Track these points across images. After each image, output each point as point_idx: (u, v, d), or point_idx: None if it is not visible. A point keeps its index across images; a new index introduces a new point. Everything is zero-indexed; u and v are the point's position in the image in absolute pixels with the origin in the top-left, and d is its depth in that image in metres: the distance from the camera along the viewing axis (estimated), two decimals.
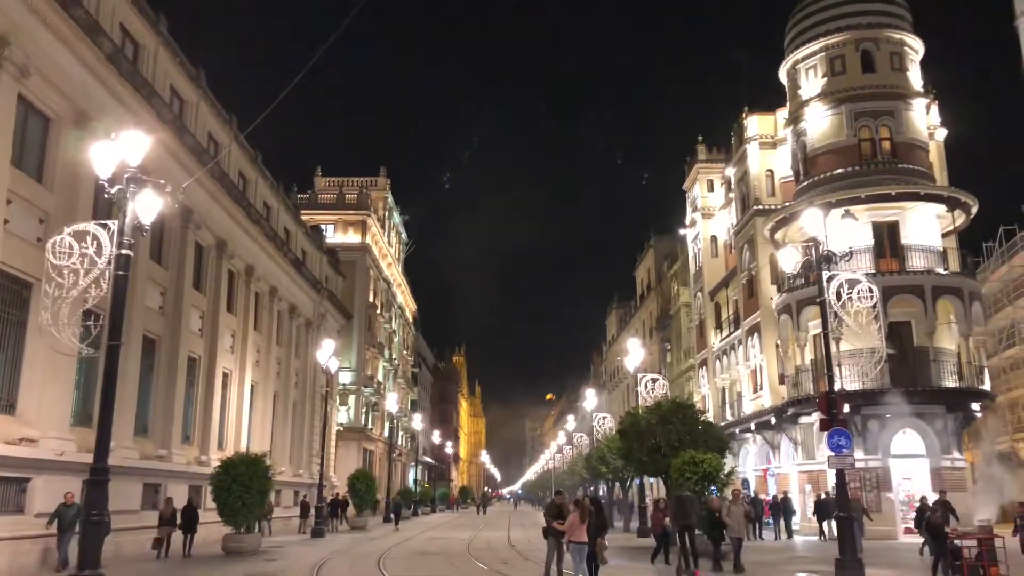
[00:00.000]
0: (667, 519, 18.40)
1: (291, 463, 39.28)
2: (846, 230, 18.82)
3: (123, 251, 13.98)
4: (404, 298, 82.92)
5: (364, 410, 58.38)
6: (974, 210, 32.11)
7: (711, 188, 47.04)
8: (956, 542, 16.29)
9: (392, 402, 56.65)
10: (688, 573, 16.99)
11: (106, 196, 13.95)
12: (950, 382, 29.55)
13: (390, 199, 73.05)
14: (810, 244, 19.70)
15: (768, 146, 38.25)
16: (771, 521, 31.10)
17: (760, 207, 37.04)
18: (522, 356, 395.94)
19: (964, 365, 30.14)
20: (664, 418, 27.84)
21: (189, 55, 28.08)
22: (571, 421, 68.18)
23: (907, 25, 33.61)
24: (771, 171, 38.07)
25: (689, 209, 49.39)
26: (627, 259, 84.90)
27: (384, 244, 68.59)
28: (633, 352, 33.13)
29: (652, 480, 39.89)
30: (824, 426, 17.86)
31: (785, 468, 35.23)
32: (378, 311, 64.04)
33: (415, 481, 78.88)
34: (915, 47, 33.41)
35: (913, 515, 29.36)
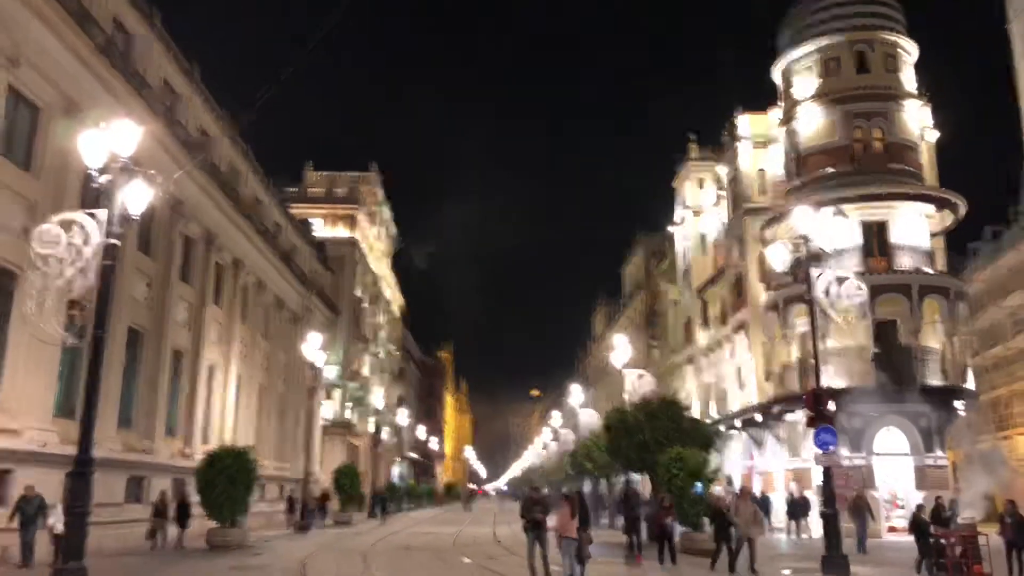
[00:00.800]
0: (668, 518, 17.91)
1: (276, 457, 39.10)
2: (836, 228, 18.89)
3: (111, 240, 13.88)
4: (392, 293, 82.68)
5: (349, 405, 58.17)
6: (962, 211, 32.32)
7: (701, 186, 47.12)
8: (941, 540, 16.42)
9: (378, 397, 56.47)
10: (631, 559, 17.41)
11: (95, 185, 13.79)
12: (935, 381, 29.77)
13: (380, 194, 72.74)
14: (799, 242, 19.77)
15: (760, 145, 38.35)
16: None
17: (751, 206, 37.15)
18: (509, 352, 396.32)
19: (948, 364, 30.38)
20: (651, 414, 27.89)
21: (184, 50, 27.97)
22: (556, 417, 68.12)
23: (901, 27, 33.76)
24: (763, 170, 38.17)
25: (679, 207, 49.46)
26: (614, 257, 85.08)
27: (373, 239, 68.36)
28: (620, 348, 33.11)
29: (638, 477, 40.04)
30: (811, 423, 17.95)
31: (770, 465, 35.38)
32: (365, 306, 63.82)
33: (400, 477, 78.76)
34: (909, 49, 33.56)
35: (898, 512, 29.67)
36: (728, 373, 39.99)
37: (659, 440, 26.53)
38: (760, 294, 35.31)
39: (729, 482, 36.63)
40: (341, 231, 60.01)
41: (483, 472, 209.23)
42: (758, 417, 34.56)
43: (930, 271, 30.76)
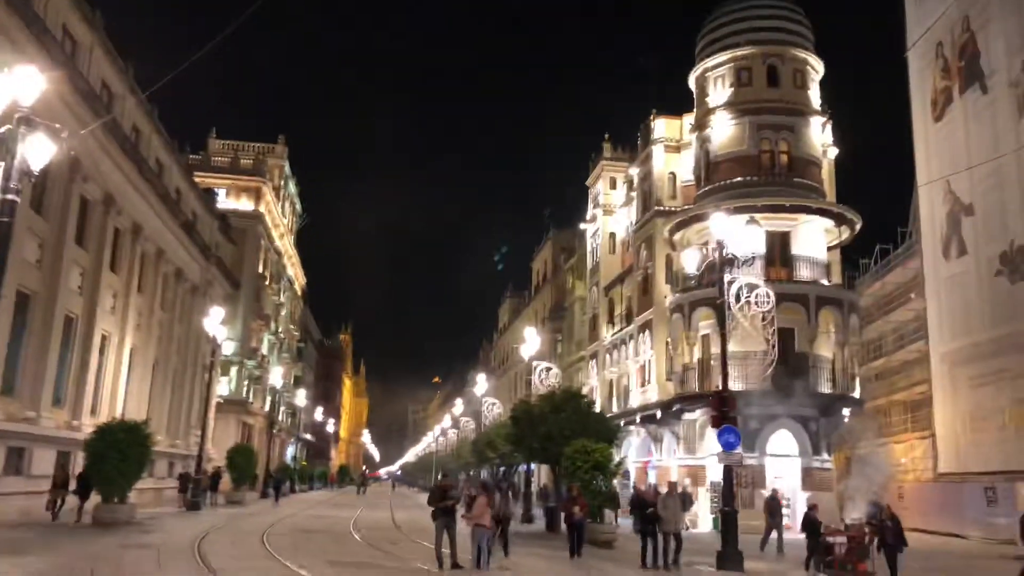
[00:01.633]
0: (577, 508, 17.76)
1: (168, 433, 37.61)
2: (750, 236, 19.49)
3: (9, 196, 13.04)
4: (295, 271, 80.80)
5: (246, 383, 56.61)
6: (858, 227, 33.96)
7: (614, 186, 47.90)
8: (828, 539, 17.24)
9: (277, 376, 55.13)
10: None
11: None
12: (825, 388, 31.23)
13: (287, 168, 70.83)
14: (713, 247, 20.33)
15: (672, 149, 39.25)
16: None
17: (661, 208, 38.00)
18: (411, 338, 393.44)
19: (838, 373, 31.94)
20: (557, 407, 28.26)
21: None
22: (459, 405, 68.23)
23: (810, 45, 35.11)
24: (674, 174, 39.08)
25: (591, 205, 50.15)
26: (525, 249, 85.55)
27: (278, 214, 66.50)
28: (530, 340, 33.44)
29: (534, 467, 40.54)
30: (716, 423, 18.54)
31: (666, 461, 36.38)
32: (267, 282, 62.14)
33: (294, 458, 77.21)
34: (816, 67, 34.94)
35: (785, 510, 30.97)
36: (631, 370, 40.87)
37: (563, 432, 26.95)
38: (666, 295, 36.18)
39: (626, 476, 37.51)
40: (245, 204, 58.15)
41: (377, 456, 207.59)
42: (658, 414, 35.46)
43: (827, 283, 32.21)
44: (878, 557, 16.26)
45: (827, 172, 36.82)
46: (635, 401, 39.67)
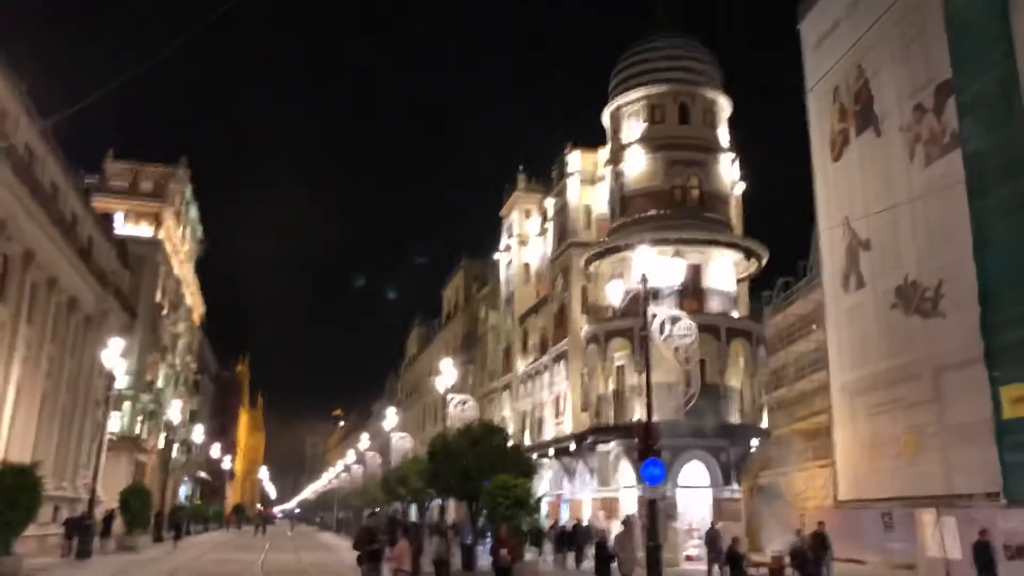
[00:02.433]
0: (505, 551, 16.65)
1: (54, 475, 35.07)
2: (672, 269, 19.76)
3: None
4: (193, 299, 77.72)
5: (140, 418, 53.76)
6: (764, 260, 35.12)
7: (528, 216, 48.18)
8: (751, 571, 17.46)
9: (175, 411, 52.54)
10: None
11: None
12: (735, 419, 31.93)
13: (188, 192, 68.36)
14: (630, 278, 20.56)
15: (588, 182, 39.79)
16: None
17: (576, 240, 38.37)
18: (309, 369, 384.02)
19: (747, 403, 32.75)
20: (475, 441, 27.85)
21: None
22: (364, 439, 66.65)
23: (719, 84, 36.38)
24: (589, 206, 39.59)
25: (505, 235, 50.25)
26: (434, 278, 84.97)
27: (178, 240, 63.97)
28: (445, 371, 32.97)
29: (440, 502, 39.84)
30: (641, 456, 18.57)
31: (579, 494, 36.36)
32: (164, 312, 59.46)
33: (187, 497, 73.64)
34: (725, 106, 36.20)
35: (693, 542, 31.33)
36: (546, 401, 40.83)
37: (481, 467, 26.54)
38: (581, 325, 36.42)
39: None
40: (145, 229, 55.70)
41: (274, 494, 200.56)
42: (572, 446, 35.46)
43: (736, 315, 33.10)
44: None
45: (735, 207, 38.01)
46: (549, 432, 39.62)
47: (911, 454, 31.02)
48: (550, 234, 42.76)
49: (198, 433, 67.90)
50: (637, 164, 35.12)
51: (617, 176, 36.09)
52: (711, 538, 23.28)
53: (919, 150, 31.49)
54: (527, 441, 42.36)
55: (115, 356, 30.96)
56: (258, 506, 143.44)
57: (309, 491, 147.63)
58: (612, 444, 32.95)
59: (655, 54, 35.83)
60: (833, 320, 37.15)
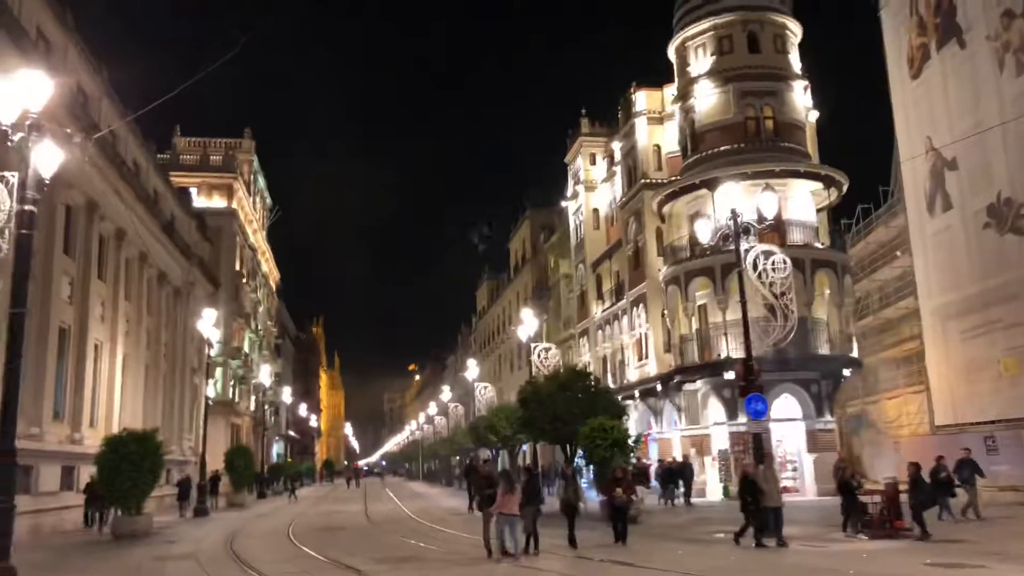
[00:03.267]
0: (620, 490, 15.96)
1: (163, 439, 36.93)
2: (765, 203, 19.47)
3: (27, 207, 12.64)
4: (268, 266, 79.73)
5: (232, 383, 55.85)
6: (845, 188, 34.22)
7: (593, 161, 47.73)
8: (862, 498, 17.45)
9: (265, 375, 54.44)
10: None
11: (9, 144, 12.40)
12: (824, 350, 31.54)
13: (255, 162, 69.65)
14: (697, 217, 20.34)
15: (655, 121, 39.13)
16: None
17: (648, 180, 37.91)
18: (383, 327, 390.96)
19: (834, 334, 32.28)
20: (563, 386, 28.25)
21: None
22: (447, 391, 68.03)
23: (788, 9, 35.13)
24: (658, 146, 38.99)
25: (571, 182, 49.94)
26: (499, 231, 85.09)
27: (250, 209, 65.45)
28: (527, 321, 33.31)
29: (526, 448, 40.55)
30: (743, 392, 18.60)
31: (667, 433, 36.59)
32: (244, 280, 61.19)
33: (278, 456, 76.55)
34: (795, 31, 34.99)
35: (787, 474, 31.33)
36: (626, 344, 40.91)
37: (572, 412, 26.96)
38: (658, 267, 36.21)
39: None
40: (218, 201, 57.13)
41: (358, 447, 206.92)
42: (658, 387, 35.58)
43: (820, 246, 32.45)
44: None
45: (810, 135, 36.99)
46: (632, 375, 39.76)
47: (1012, 376, 30.37)
48: (618, 177, 42.32)
49: (286, 395, 70.24)
50: (707, 98, 34.35)
51: (687, 112, 35.40)
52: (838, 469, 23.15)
53: (1009, 59, 30.15)
54: (610, 384, 42.65)
55: (209, 325, 32.11)
56: (344, 461, 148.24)
57: (392, 444, 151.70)
58: (699, 383, 32.95)
59: None
60: (919, 245, 36.19)
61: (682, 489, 28.82)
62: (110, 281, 30.60)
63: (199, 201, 54.29)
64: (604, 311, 43.85)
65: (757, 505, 15.41)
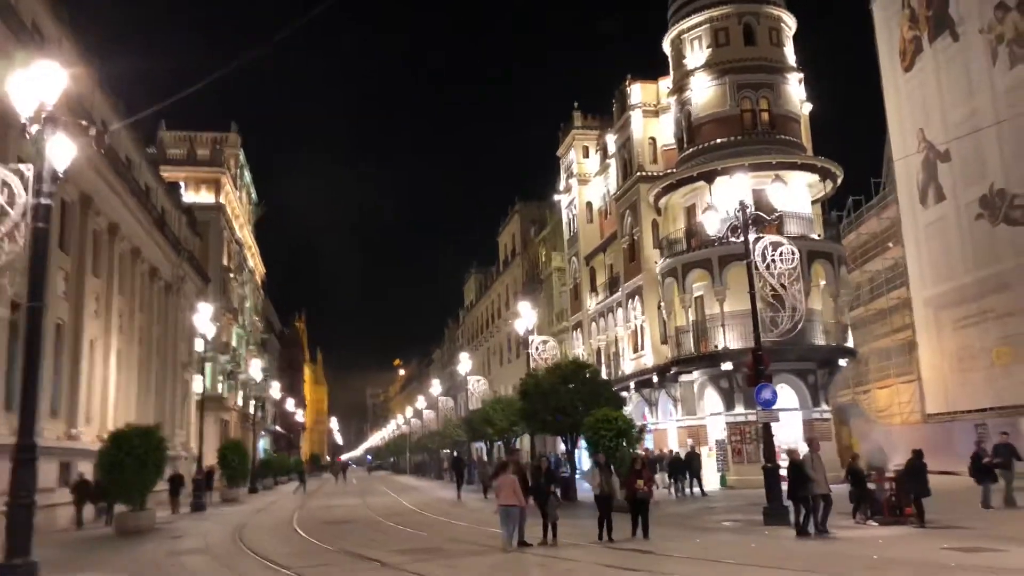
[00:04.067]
0: (640, 482, 15.36)
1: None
2: (778, 194, 19.56)
3: (43, 200, 12.45)
4: (254, 261, 79.24)
5: (220, 378, 55.44)
6: (840, 180, 34.44)
7: (586, 154, 47.68)
8: (871, 486, 17.60)
9: (256, 370, 54.12)
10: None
11: (27, 137, 12.22)
12: (819, 340, 31.77)
13: (242, 156, 69.17)
14: (694, 209, 20.44)
15: (651, 114, 39.10)
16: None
17: (644, 173, 37.94)
18: (366, 322, 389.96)
19: (830, 325, 32.52)
20: (564, 378, 28.33)
21: None
22: (436, 385, 67.95)
23: (782, 1, 35.24)
24: (653, 139, 38.97)
25: (564, 175, 49.89)
26: (487, 226, 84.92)
27: (237, 204, 64.95)
28: (525, 314, 33.32)
29: (517, 440, 40.62)
30: (751, 382, 18.70)
31: (663, 424, 36.73)
32: (232, 275, 60.77)
33: (264, 451, 76.17)
34: (790, 23, 35.11)
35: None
36: (621, 336, 40.97)
37: (575, 403, 27.05)
38: (654, 260, 36.29)
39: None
40: (205, 196, 56.63)
41: (341, 442, 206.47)
42: (654, 378, 35.70)
43: (816, 237, 32.66)
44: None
45: (804, 127, 37.16)
46: (628, 367, 39.83)
47: (1005, 364, 30.75)
48: (612, 170, 42.30)
49: (275, 389, 69.85)
50: (703, 91, 34.40)
51: (682, 105, 35.44)
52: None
53: (1002, 51, 30.43)
54: (604, 376, 42.70)
55: (206, 320, 31.86)
56: (339, 456, 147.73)
57: (376, 438, 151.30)
58: (696, 374, 33.11)
59: None
60: (912, 236, 36.53)
61: (689, 479, 28.89)
62: (104, 277, 30.28)
63: (187, 195, 53.79)
64: (598, 303, 43.90)
65: (805, 495, 15.32)
